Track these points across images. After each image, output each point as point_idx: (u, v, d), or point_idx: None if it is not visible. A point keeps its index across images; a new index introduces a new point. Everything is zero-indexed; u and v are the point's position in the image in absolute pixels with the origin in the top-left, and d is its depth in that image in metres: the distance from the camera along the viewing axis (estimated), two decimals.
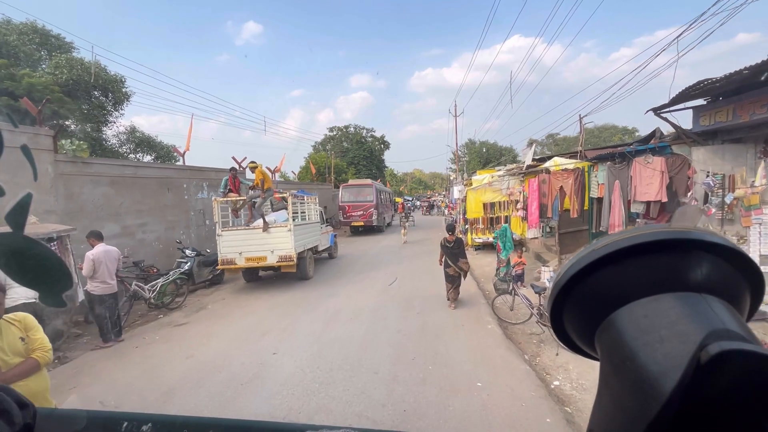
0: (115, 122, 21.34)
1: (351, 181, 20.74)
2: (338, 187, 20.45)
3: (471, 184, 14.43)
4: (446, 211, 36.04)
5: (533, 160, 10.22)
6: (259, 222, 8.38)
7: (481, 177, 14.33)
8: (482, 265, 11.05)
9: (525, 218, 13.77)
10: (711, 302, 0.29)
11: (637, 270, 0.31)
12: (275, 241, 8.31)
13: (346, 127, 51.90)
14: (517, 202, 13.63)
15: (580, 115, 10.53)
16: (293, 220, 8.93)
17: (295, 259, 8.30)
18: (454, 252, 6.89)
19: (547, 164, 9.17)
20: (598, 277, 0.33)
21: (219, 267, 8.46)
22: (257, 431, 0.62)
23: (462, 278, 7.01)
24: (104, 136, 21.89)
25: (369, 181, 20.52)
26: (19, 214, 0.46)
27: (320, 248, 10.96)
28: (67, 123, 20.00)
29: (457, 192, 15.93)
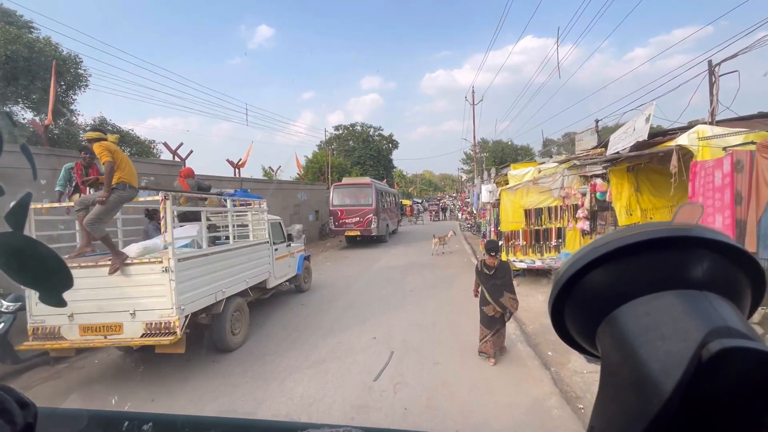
0: (66, 110, 17.50)
1: (345, 180, 16.24)
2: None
3: (506, 182, 9.89)
4: (460, 215, 31.54)
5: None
6: (129, 251, 4.05)
7: (521, 172, 9.75)
8: (532, 308, 6.48)
9: (588, 232, 9.20)
10: (712, 300, 0.28)
11: (639, 267, 0.31)
12: (139, 292, 3.95)
13: (353, 125, 47.94)
14: (576, 208, 9.08)
15: (710, 61, 5.94)
16: (195, 243, 4.58)
17: (179, 330, 3.92)
18: (497, 283, 4.44)
19: (682, 139, 4.60)
20: (600, 275, 0.32)
21: (25, 345, 4.08)
22: (259, 430, 0.62)
23: (506, 319, 4.53)
24: (72, 128, 18.08)
25: (367, 179, 15.99)
26: (18, 213, 0.46)
27: (273, 284, 6.58)
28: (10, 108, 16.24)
29: (486, 193, 11.28)
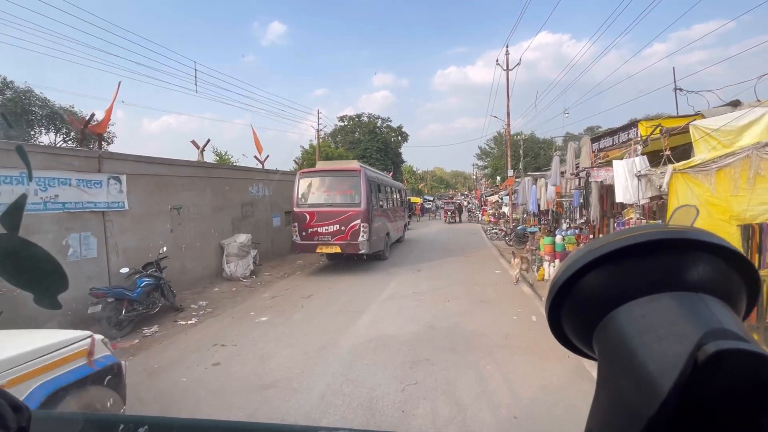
0: None
1: (320, 165, 10.16)
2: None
3: (697, 156, 3.89)
4: (480, 216, 25.46)
5: None
6: None
7: (731, 122, 3.76)
8: None
9: None
10: (708, 302, 0.28)
11: (635, 270, 0.30)
12: None
13: (359, 115, 42.06)
14: None
15: None
16: None
17: None
18: None
19: None
20: (596, 277, 0.31)
21: None
22: None
23: None
24: None
25: (354, 164, 9.68)
26: (14, 215, 0.44)
27: None
28: None
29: (624, 180, 4.94)
